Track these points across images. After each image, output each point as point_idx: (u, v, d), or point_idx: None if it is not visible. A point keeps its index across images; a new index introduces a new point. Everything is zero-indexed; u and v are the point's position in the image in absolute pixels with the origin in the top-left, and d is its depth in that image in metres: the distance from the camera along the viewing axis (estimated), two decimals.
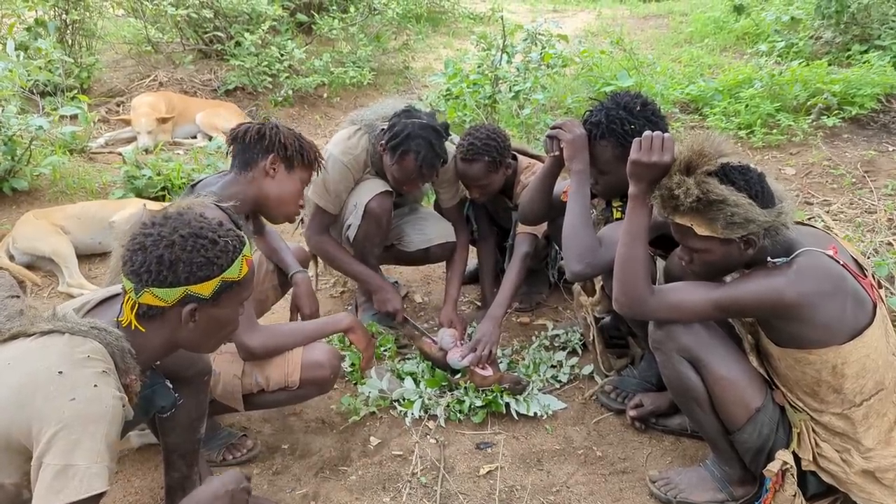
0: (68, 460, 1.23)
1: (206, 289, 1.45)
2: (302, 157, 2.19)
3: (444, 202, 3.03)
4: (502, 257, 3.29)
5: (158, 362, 1.65)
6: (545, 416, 2.46)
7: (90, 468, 1.24)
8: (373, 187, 2.75)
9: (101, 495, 1.26)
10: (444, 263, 3.14)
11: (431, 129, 2.64)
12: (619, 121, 2.21)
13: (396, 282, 3.44)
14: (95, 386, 1.31)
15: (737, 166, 1.77)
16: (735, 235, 1.74)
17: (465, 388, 2.54)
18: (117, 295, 1.55)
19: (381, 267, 3.06)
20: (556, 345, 2.88)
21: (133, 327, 1.46)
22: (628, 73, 5.63)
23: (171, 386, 1.71)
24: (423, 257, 3.10)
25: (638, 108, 2.23)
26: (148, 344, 1.49)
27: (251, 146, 2.16)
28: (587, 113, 2.33)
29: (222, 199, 2.05)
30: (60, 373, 1.31)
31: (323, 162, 2.33)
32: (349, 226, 2.79)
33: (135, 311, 1.46)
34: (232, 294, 1.51)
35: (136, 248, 1.44)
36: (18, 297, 1.54)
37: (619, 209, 2.43)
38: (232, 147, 2.21)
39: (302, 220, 3.11)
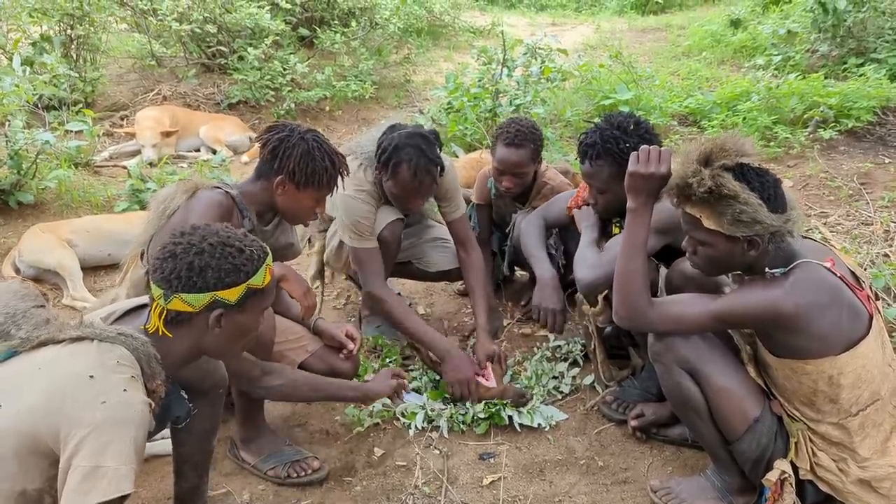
0: (98, 462, 1.26)
1: (232, 295, 1.51)
2: (312, 181, 2.19)
3: (448, 215, 2.97)
4: (503, 261, 3.36)
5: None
6: (548, 428, 2.49)
7: (119, 469, 1.27)
8: (385, 216, 2.75)
9: (126, 497, 1.29)
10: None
11: (419, 136, 2.61)
12: (614, 140, 2.27)
13: (398, 293, 3.47)
14: (125, 391, 1.35)
15: (754, 167, 1.80)
16: (740, 233, 1.77)
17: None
18: (142, 306, 1.60)
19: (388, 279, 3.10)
20: (558, 356, 2.90)
21: (161, 333, 1.51)
22: (627, 86, 5.70)
23: (186, 397, 1.74)
24: (442, 277, 3.13)
25: (632, 127, 2.28)
26: (173, 349, 1.54)
27: (265, 161, 2.22)
28: (582, 135, 2.39)
29: (242, 194, 2.20)
30: (91, 377, 1.34)
31: (342, 179, 2.30)
32: None
33: (163, 317, 1.50)
34: (256, 301, 1.57)
35: (166, 255, 1.50)
36: (43, 306, 1.58)
37: (618, 224, 2.48)
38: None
39: (310, 240, 3.13)
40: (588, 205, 2.53)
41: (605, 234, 2.55)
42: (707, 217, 1.80)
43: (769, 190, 1.77)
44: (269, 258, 1.59)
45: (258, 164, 2.26)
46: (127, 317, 1.59)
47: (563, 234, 2.95)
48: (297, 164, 2.16)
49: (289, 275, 2.34)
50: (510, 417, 2.50)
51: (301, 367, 2.33)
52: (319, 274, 3.15)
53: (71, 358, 1.40)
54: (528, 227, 2.87)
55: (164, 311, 1.50)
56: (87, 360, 1.38)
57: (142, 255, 2.31)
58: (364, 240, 2.69)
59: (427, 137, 2.62)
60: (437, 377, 2.73)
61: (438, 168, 2.64)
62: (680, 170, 1.83)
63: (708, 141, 1.83)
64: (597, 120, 2.41)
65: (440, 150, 2.67)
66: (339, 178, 2.26)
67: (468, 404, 2.55)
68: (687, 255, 1.95)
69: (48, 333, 1.45)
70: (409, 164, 2.56)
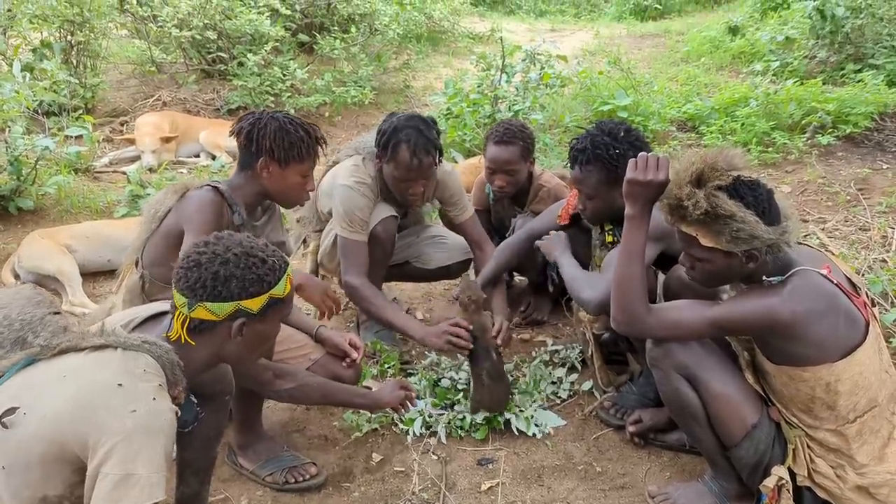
0: (129, 469, 1.28)
1: (255, 304, 1.53)
2: (292, 154, 2.23)
3: (457, 217, 3.00)
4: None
5: None
6: (540, 435, 2.48)
7: (150, 477, 1.29)
8: (379, 212, 2.78)
9: None
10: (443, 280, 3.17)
11: (417, 118, 2.67)
12: (604, 146, 2.29)
13: (395, 298, 3.47)
14: (154, 399, 1.37)
15: (747, 181, 1.80)
16: (738, 249, 1.77)
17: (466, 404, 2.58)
18: (162, 313, 1.61)
19: (385, 284, 3.11)
20: (556, 361, 2.91)
21: (183, 341, 1.52)
22: (626, 92, 5.71)
23: (195, 401, 1.75)
24: (442, 274, 3.15)
25: (622, 134, 2.31)
26: (195, 357, 1.55)
27: (244, 149, 2.26)
28: (573, 140, 2.41)
29: (230, 189, 2.23)
30: (120, 385, 1.35)
31: (323, 150, 2.35)
32: None
33: (185, 325, 1.51)
34: (276, 310, 1.59)
35: (190, 265, 1.51)
36: (59, 313, 1.58)
37: (610, 232, 2.49)
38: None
39: (305, 240, 3.15)
40: (576, 216, 2.55)
41: (588, 243, 2.59)
42: (704, 236, 1.80)
43: (763, 204, 1.77)
44: (290, 268, 1.62)
45: (240, 155, 2.30)
46: (147, 324, 1.60)
47: None
48: (274, 141, 2.20)
49: (305, 283, 2.38)
50: (507, 422, 2.50)
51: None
52: (315, 274, 3.16)
53: (96, 366, 1.41)
54: (500, 249, 2.88)
55: (188, 320, 1.51)
56: (113, 369, 1.39)
57: (136, 262, 2.31)
58: (354, 232, 2.72)
59: (425, 120, 2.68)
60: (437, 381, 2.74)
61: (437, 151, 2.67)
62: (673, 191, 1.84)
63: (698, 160, 1.82)
64: (589, 126, 2.43)
65: (438, 135, 2.71)
66: (319, 146, 2.30)
67: (463, 408, 2.56)
68: (685, 270, 1.96)
69: (69, 341, 1.46)
70: (408, 144, 2.59)
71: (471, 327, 2.51)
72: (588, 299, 2.29)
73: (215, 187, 2.22)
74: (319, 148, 2.31)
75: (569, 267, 2.45)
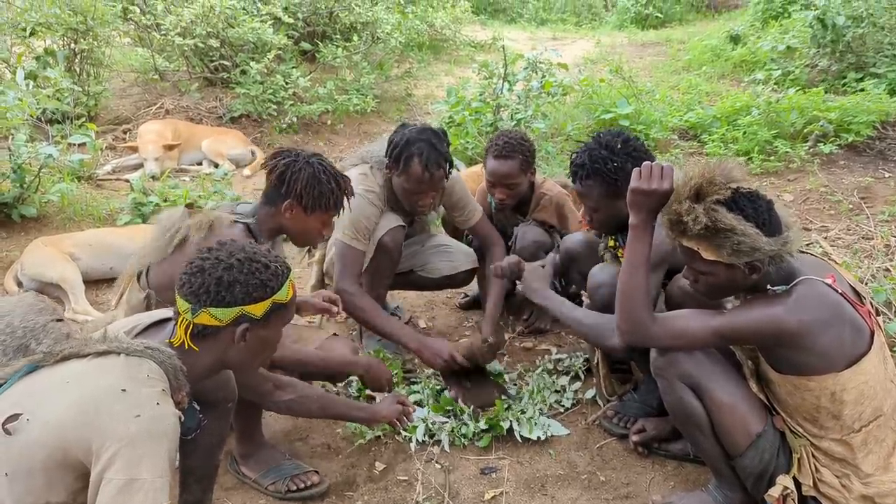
0: (133, 475, 1.28)
1: (258, 309, 1.54)
2: (319, 204, 2.24)
3: (466, 223, 3.03)
4: None
5: None
6: (545, 438, 2.48)
7: (154, 482, 1.29)
8: (387, 222, 2.79)
9: None
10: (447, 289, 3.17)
11: (429, 131, 2.70)
12: (602, 160, 2.29)
13: (398, 306, 3.47)
14: (158, 404, 1.37)
15: (746, 193, 1.80)
16: (740, 262, 1.78)
17: (468, 414, 2.57)
18: (165, 320, 1.62)
19: (389, 292, 3.11)
20: (560, 369, 2.90)
21: (186, 347, 1.53)
22: (627, 100, 5.72)
23: (197, 408, 1.75)
24: (446, 283, 3.15)
25: (619, 146, 2.31)
26: (198, 362, 1.56)
27: (273, 186, 2.26)
28: (573, 154, 2.42)
29: (256, 224, 2.26)
30: (123, 391, 1.36)
31: (348, 201, 2.37)
32: None
33: (189, 331, 1.52)
34: (279, 315, 1.60)
35: (194, 270, 1.52)
36: (62, 320, 1.59)
37: (614, 237, 2.49)
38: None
39: (310, 250, 3.15)
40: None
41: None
42: (705, 250, 1.80)
43: (763, 215, 1.78)
44: (292, 274, 1.63)
45: (266, 190, 2.31)
46: (150, 330, 1.61)
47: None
48: (305, 188, 2.21)
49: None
50: (510, 430, 2.49)
51: (303, 364, 2.34)
52: (320, 284, 3.16)
53: (99, 372, 1.41)
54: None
55: (191, 325, 1.52)
56: (116, 374, 1.40)
57: (139, 277, 2.29)
58: (356, 240, 2.74)
59: (437, 133, 2.71)
60: (440, 390, 2.73)
61: (448, 164, 2.71)
62: (672, 206, 1.84)
63: (696, 174, 1.83)
64: (587, 139, 2.44)
65: (449, 147, 2.74)
66: (346, 199, 2.33)
67: (467, 418, 2.55)
68: (689, 284, 1.96)
69: (72, 347, 1.46)
70: (420, 157, 2.62)
71: (467, 363, 2.65)
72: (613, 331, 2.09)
73: (244, 223, 2.23)
74: (346, 200, 2.34)
75: (566, 310, 2.37)
